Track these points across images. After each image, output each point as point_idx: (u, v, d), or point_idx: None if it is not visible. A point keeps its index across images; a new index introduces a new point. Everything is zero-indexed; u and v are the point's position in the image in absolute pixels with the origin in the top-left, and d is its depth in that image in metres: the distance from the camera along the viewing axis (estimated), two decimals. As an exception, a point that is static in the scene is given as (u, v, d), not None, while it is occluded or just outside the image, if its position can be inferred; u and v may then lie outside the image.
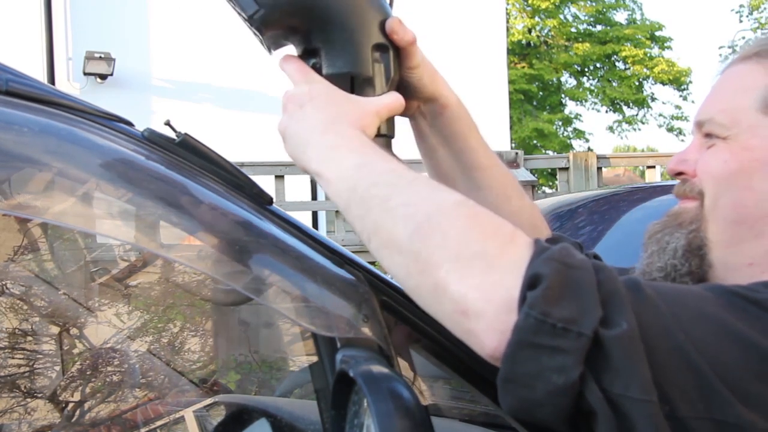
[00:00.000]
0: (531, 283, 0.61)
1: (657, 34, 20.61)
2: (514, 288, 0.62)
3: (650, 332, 0.61)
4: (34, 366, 1.81)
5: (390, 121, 0.90)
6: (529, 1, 19.43)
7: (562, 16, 20.02)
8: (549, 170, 14.27)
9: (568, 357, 0.59)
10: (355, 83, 0.87)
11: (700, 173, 0.87)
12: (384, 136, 0.89)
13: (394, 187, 0.72)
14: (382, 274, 0.96)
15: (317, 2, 0.84)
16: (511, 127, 12.65)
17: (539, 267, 0.62)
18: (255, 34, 0.89)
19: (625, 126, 21.43)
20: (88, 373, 1.82)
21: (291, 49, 0.90)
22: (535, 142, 18.73)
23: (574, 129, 20.97)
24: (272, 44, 0.89)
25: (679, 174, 0.90)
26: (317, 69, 0.87)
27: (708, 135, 0.87)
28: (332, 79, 0.86)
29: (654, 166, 6.89)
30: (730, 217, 0.84)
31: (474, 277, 0.63)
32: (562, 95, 20.77)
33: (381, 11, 0.87)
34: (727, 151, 0.84)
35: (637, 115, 21.28)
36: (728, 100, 0.86)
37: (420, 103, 0.97)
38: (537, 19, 19.64)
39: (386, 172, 0.74)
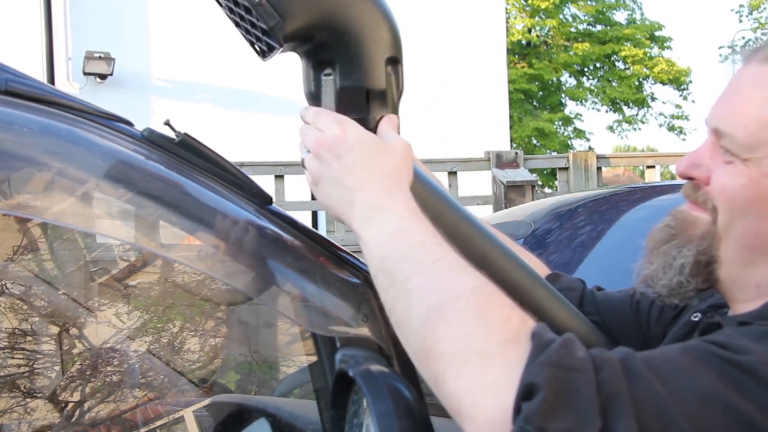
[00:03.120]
0: (526, 392, 0.60)
1: (657, 33, 20.61)
2: (507, 394, 0.61)
3: (653, 426, 0.61)
4: (34, 366, 1.81)
5: None
6: (529, 1, 19.42)
7: (561, 16, 20.01)
8: (549, 170, 14.27)
9: None
10: (369, 96, 0.87)
11: (715, 189, 0.82)
12: None
13: (418, 265, 0.71)
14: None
15: (337, 14, 0.84)
16: (511, 127, 12.66)
17: (535, 375, 0.60)
18: (248, 40, 0.89)
19: (625, 126, 21.43)
20: (88, 373, 1.82)
21: (285, 56, 0.89)
22: (535, 141, 18.73)
23: (575, 129, 20.97)
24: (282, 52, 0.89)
25: (690, 178, 0.86)
26: (331, 81, 0.87)
27: (727, 150, 0.81)
28: (347, 92, 0.86)
29: (654, 166, 6.89)
30: (744, 241, 0.81)
31: (469, 378, 0.62)
32: (562, 95, 20.77)
33: (393, 25, 0.88)
34: (747, 177, 0.79)
35: (637, 114, 21.29)
36: (751, 114, 0.79)
37: None
38: (537, 18, 19.63)
39: (415, 246, 0.73)
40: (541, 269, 1.16)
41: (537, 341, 0.63)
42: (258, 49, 0.88)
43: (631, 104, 20.81)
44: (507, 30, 14.52)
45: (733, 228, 0.81)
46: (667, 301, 0.88)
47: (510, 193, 5.68)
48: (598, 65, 20.71)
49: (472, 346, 0.63)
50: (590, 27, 20.67)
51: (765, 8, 21.94)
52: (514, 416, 0.60)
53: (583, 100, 20.81)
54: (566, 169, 6.49)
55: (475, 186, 6.39)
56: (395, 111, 0.90)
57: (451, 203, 0.93)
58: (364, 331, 0.87)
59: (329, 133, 0.83)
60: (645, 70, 19.96)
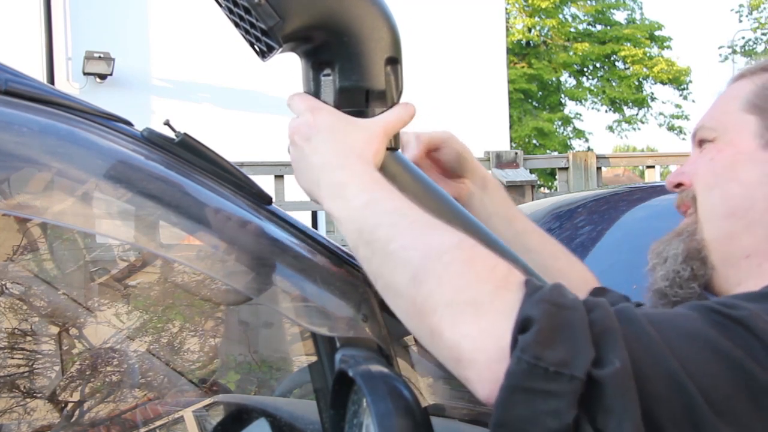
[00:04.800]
0: (522, 326, 0.61)
1: (656, 33, 20.62)
2: (505, 335, 0.62)
3: (643, 363, 0.62)
4: (34, 366, 1.81)
5: (394, 135, 0.90)
6: (529, 1, 19.42)
7: (561, 16, 20.02)
8: (548, 170, 14.28)
9: (562, 400, 0.59)
10: (369, 97, 0.87)
11: (692, 177, 0.89)
12: (389, 149, 0.89)
13: (395, 228, 0.73)
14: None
15: (337, 15, 0.84)
16: (510, 126, 12.66)
17: (530, 309, 0.62)
18: (248, 40, 0.89)
19: (624, 126, 21.44)
20: (87, 373, 1.82)
21: (284, 56, 0.89)
22: (534, 141, 18.74)
23: (574, 128, 20.98)
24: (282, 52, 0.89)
25: (678, 185, 0.92)
26: (330, 81, 0.87)
27: (701, 143, 0.90)
28: (347, 92, 0.86)
29: (654, 166, 6.89)
30: (720, 211, 0.85)
31: (465, 325, 0.64)
32: (562, 95, 20.77)
33: (392, 25, 0.88)
34: (714, 150, 0.87)
35: (636, 114, 21.29)
36: (717, 108, 0.90)
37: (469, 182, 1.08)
38: (536, 18, 19.64)
39: (389, 212, 0.75)
40: (590, 281, 1.13)
41: (530, 285, 0.65)
42: (257, 49, 0.88)
43: (630, 104, 20.82)
44: (507, 30, 14.52)
45: (710, 203, 0.86)
46: (670, 294, 0.89)
47: (510, 193, 5.66)
48: (597, 65, 20.71)
49: (463, 296, 0.65)
50: (590, 27, 20.68)
51: (765, 8, 21.95)
52: (511, 350, 0.61)
53: (583, 100, 20.82)
54: (566, 169, 6.49)
55: (475, 186, 6.38)
56: None
57: (435, 190, 0.94)
58: (364, 331, 0.87)
59: (302, 118, 0.85)
60: (645, 69, 19.96)
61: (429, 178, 0.96)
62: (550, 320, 0.61)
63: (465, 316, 0.64)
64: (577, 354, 0.60)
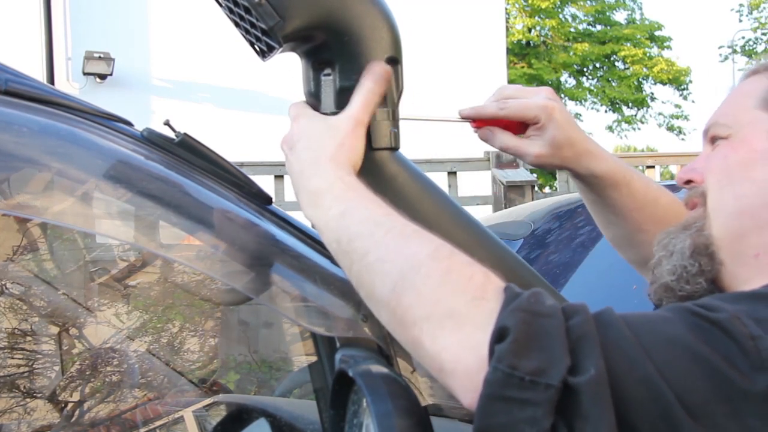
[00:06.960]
0: (499, 335, 0.63)
1: (656, 33, 20.62)
2: (483, 346, 0.63)
3: (620, 368, 0.63)
4: (34, 366, 1.81)
5: (394, 134, 0.90)
6: (529, 1, 19.42)
7: (561, 16, 20.02)
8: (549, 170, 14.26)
9: (538, 409, 0.60)
10: None
11: (704, 175, 0.87)
12: (388, 149, 0.89)
13: (371, 239, 0.73)
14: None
15: (337, 14, 0.84)
16: (510, 127, 12.63)
17: (506, 319, 0.63)
18: (248, 40, 0.89)
19: (624, 126, 21.45)
20: (87, 373, 1.82)
21: (284, 56, 0.89)
22: (534, 141, 18.71)
23: (574, 129, 20.94)
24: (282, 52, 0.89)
25: (688, 182, 0.91)
26: (330, 81, 0.87)
27: (713, 139, 0.88)
28: (347, 92, 0.86)
29: (653, 166, 6.91)
30: (731, 209, 0.84)
31: (445, 337, 0.65)
32: (562, 95, 20.77)
33: (392, 25, 0.88)
34: (728, 147, 0.85)
35: (636, 114, 21.30)
36: (731, 104, 0.89)
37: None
38: (536, 18, 19.64)
39: (364, 222, 0.75)
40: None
41: (508, 293, 0.66)
42: (258, 49, 0.88)
43: (630, 104, 20.82)
44: (507, 30, 14.52)
45: (721, 201, 0.84)
46: (676, 289, 0.87)
47: (510, 193, 5.68)
48: (597, 65, 20.71)
49: (440, 308, 0.66)
50: (590, 27, 20.68)
51: (765, 8, 21.96)
52: (489, 360, 0.62)
53: (583, 100, 20.82)
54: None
55: (474, 186, 6.39)
56: (395, 111, 0.90)
57: (434, 190, 0.94)
58: (364, 331, 0.87)
59: (290, 127, 0.86)
60: (644, 69, 19.97)
61: (428, 178, 0.96)
62: (526, 329, 0.62)
63: (443, 328, 0.65)
64: (552, 362, 0.61)
